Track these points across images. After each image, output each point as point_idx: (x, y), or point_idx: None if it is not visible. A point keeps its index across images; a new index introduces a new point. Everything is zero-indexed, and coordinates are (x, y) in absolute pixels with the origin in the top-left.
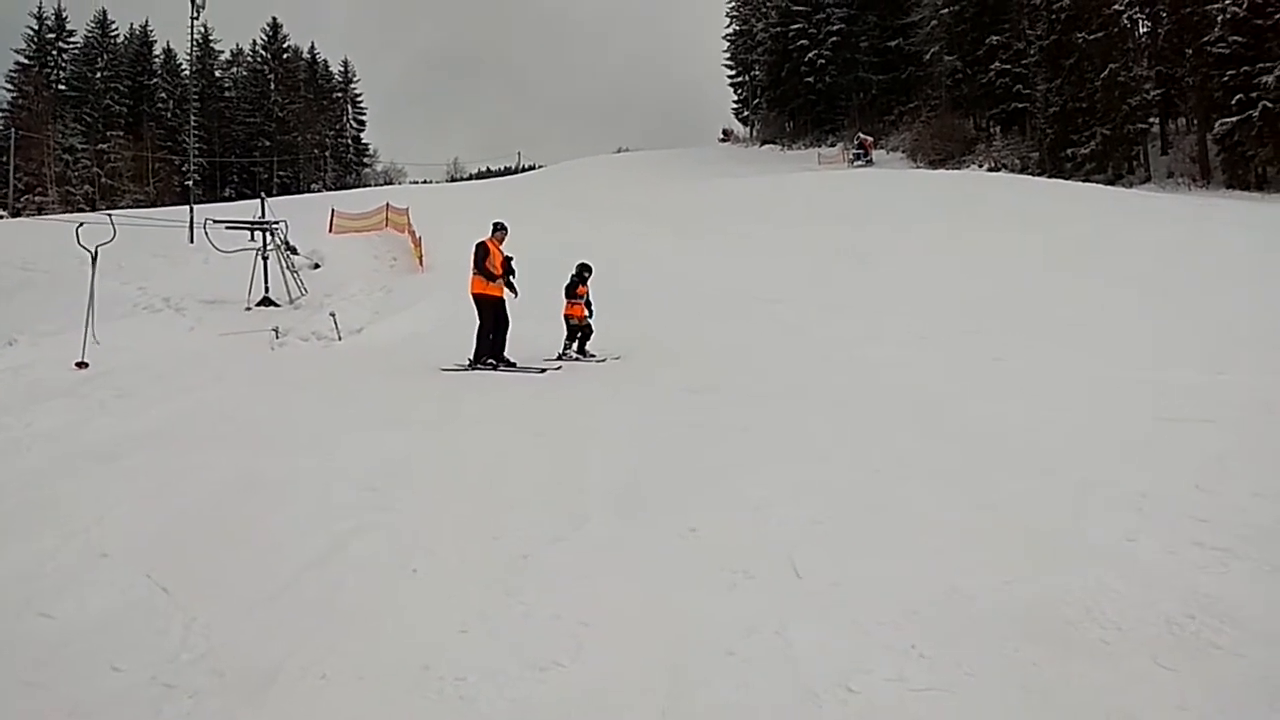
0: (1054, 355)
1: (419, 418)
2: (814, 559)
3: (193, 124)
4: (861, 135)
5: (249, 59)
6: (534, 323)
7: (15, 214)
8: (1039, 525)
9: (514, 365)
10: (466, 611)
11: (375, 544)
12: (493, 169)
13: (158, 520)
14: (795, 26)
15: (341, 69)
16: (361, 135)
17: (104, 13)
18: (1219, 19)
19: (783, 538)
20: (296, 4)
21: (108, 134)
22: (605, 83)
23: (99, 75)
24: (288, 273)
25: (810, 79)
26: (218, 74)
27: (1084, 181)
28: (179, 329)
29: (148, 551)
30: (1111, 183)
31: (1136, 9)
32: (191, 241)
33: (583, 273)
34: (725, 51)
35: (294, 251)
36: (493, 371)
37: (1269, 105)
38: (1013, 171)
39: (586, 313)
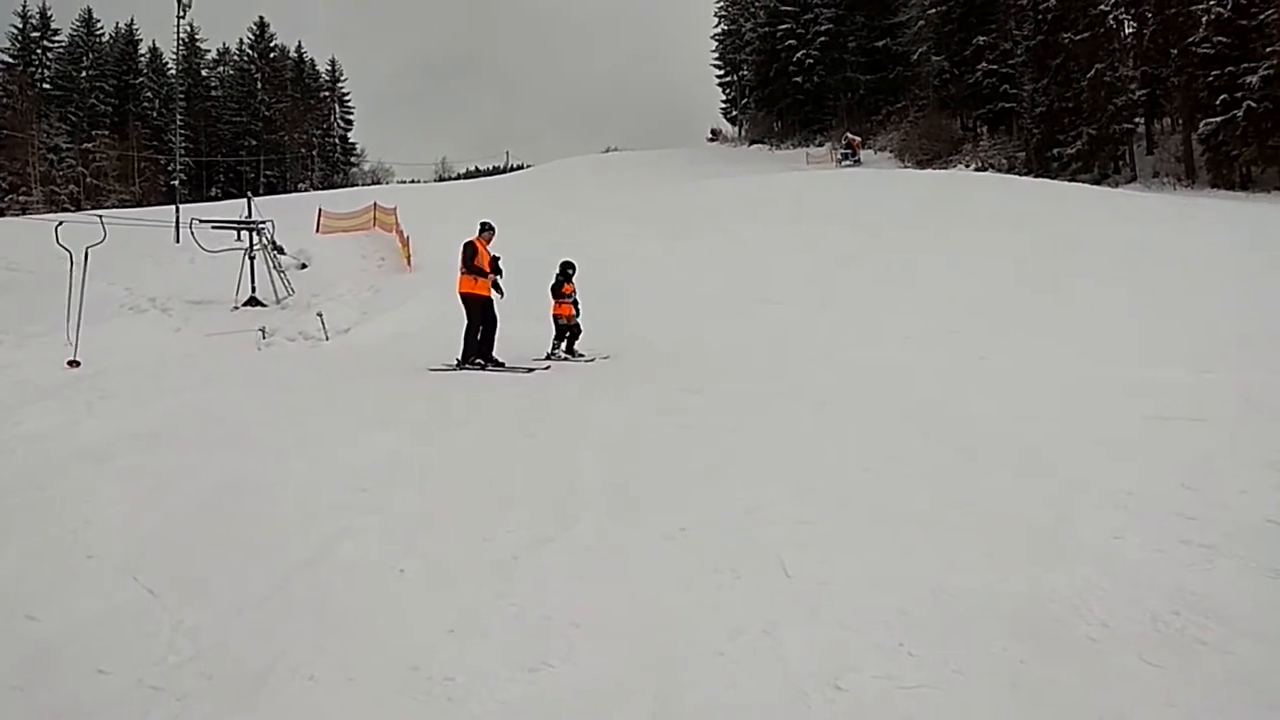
0: (1041, 354)
1: (407, 418)
2: (803, 559)
3: (178, 123)
4: (849, 135)
5: (235, 58)
6: (522, 323)
7: None
8: (1026, 523)
9: (502, 365)
10: (456, 612)
11: (364, 545)
12: (481, 169)
13: (145, 522)
14: (783, 26)
15: (329, 68)
16: (349, 134)
17: (89, 11)
18: (1204, 19)
19: (771, 537)
20: (283, 3)
21: (93, 133)
22: (593, 82)
23: (84, 74)
24: (274, 273)
25: (798, 79)
26: (204, 73)
27: (1070, 181)
28: (165, 329)
29: (135, 554)
30: (1098, 182)
31: (1122, 9)
32: (178, 241)
33: (566, 270)
34: (713, 51)
35: (281, 251)
36: (481, 371)
37: (1253, 105)
38: (1000, 171)
39: (574, 311)
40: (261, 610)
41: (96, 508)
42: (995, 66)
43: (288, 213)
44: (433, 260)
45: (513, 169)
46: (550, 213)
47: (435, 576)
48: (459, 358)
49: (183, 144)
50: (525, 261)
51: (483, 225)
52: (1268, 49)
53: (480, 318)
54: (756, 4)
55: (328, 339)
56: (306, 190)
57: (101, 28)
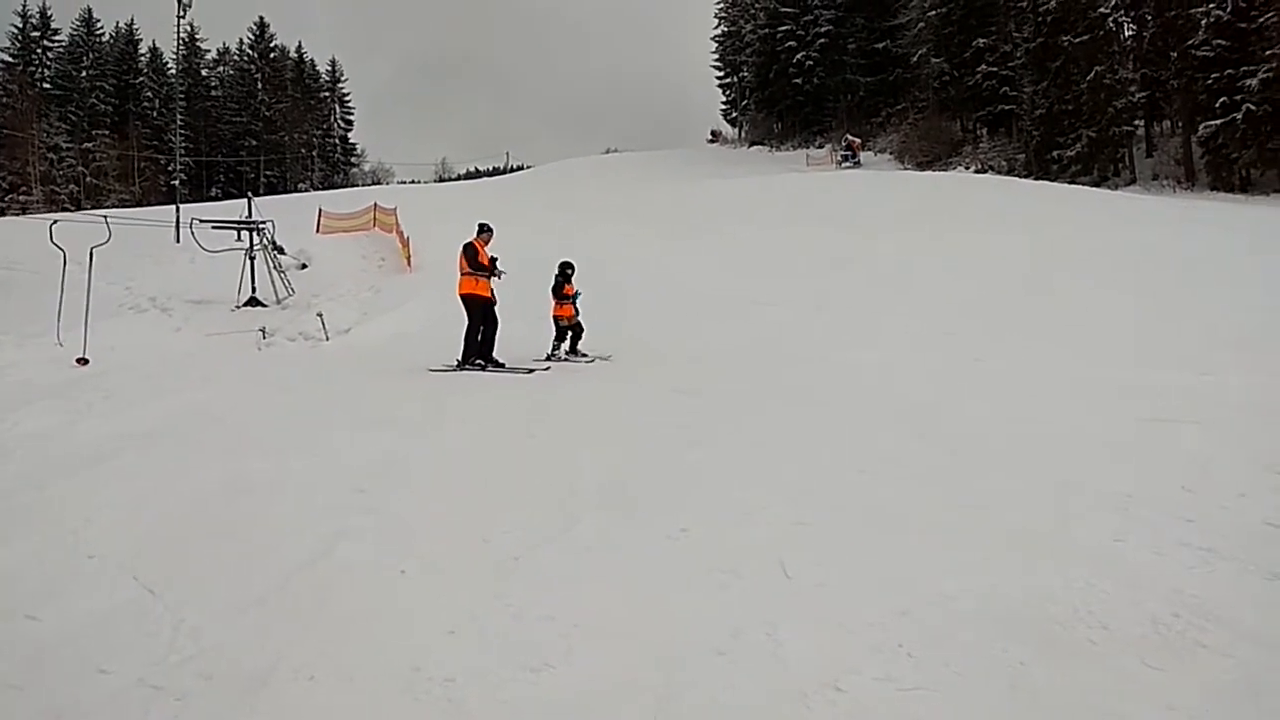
0: (1037, 356)
1: (407, 418)
2: (802, 560)
3: (178, 123)
4: (849, 137)
5: (235, 58)
6: (522, 324)
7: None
8: (1025, 526)
9: (502, 366)
10: (456, 613)
11: (364, 545)
12: (481, 169)
13: (145, 522)
14: (783, 28)
15: (329, 68)
16: (349, 135)
17: (89, 11)
18: (1203, 22)
19: (771, 539)
20: (284, 4)
21: (93, 133)
22: (593, 83)
23: (84, 74)
24: (275, 273)
25: (798, 80)
26: (204, 73)
27: (1070, 183)
28: (166, 329)
29: (135, 553)
30: (1097, 185)
31: (1122, 12)
32: (178, 241)
33: (565, 270)
34: (713, 53)
35: (281, 251)
36: (481, 372)
37: (1252, 108)
38: (999, 173)
39: (575, 311)
40: (262, 610)
41: (96, 507)
42: (995, 69)
43: (288, 213)
44: (433, 261)
45: (512, 169)
46: (550, 214)
47: (435, 577)
48: (459, 358)
49: (183, 144)
50: (526, 262)
51: (481, 226)
52: (1267, 52)
53: (481, 318)
54: (756, 5)
55: (328, 339)
56: (307, 190)
57: (101, 27)
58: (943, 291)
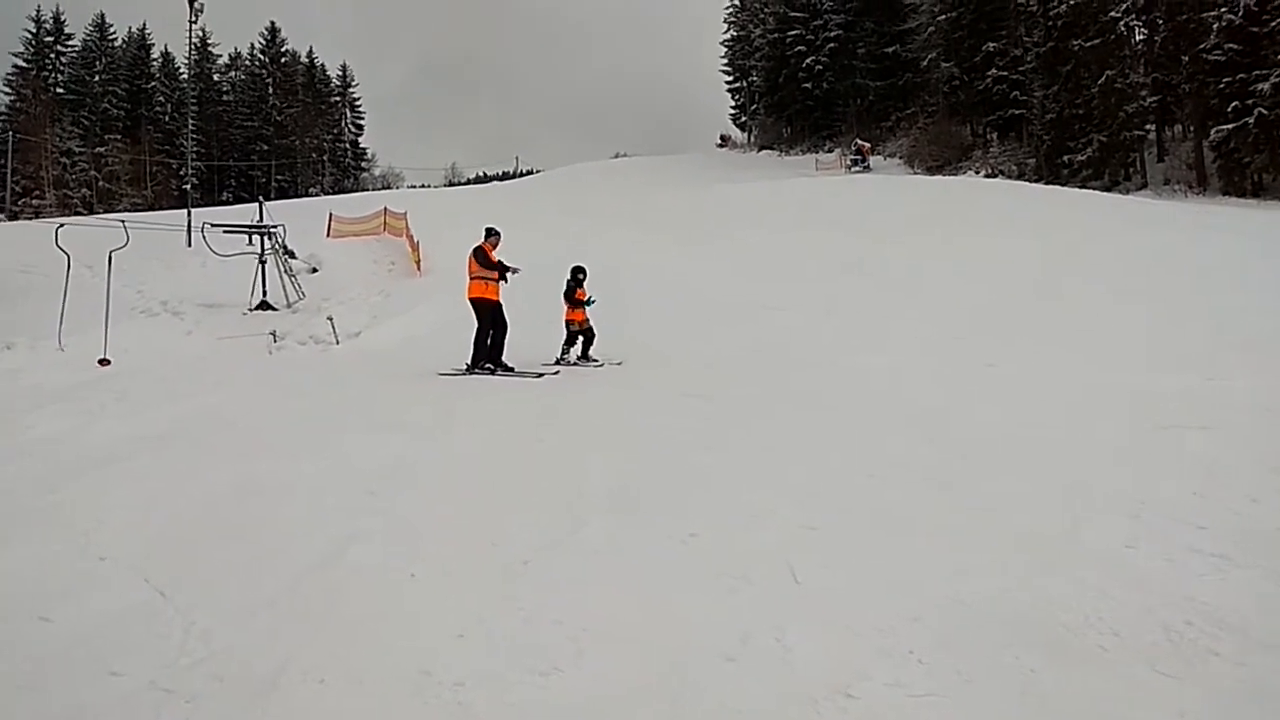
0: (1048, 361)
1: (416, 422)
2: (811, 564)
3: (190, 127)
4: (859, 141)
5: (247, 63)
6: (532, 328)
7: (13, 217)
8: (1036, 531)
9: (512, 370)
10: (465, 616)
11: (374, 548)
12: (490, 174)
13: (157, 524)
14: (793, 33)
15: (340, 73)
16: (359, 139)
17: (102, 16)
18: (1215, 26)
19: (780, 543)
20: (295, 8)
21: (105, 137)
22: (602, 88)
23: (97, 78)
24: (285, 276)
25: (808, 85)
26: (216, 78)
27: (1080, 188)
28: (177, 333)
29: (147, 555)
30: (1108, 189)
31: (1133, 16)
32: (189, 245)
33: (577, 275)
34: (723, 57)
35: (292, 255)
36: (490, 376)
37: (1264, 112)
38: (1010, 178)
39: (587, 314)
40: (272, 612)
41: (108, 509)
42: (1005, 73)
43: (299, 217)
44: (443, 265)
45: (522, 174)
46: (560, 219)
47: (444, 580)
48: (469, 362)
49: (194, 148)
50: (536, 267)
51: (488, 231)
52: (1279, 56)
53: (490, 322)
54: (766, 10)
55: (338, 343)
56: (317, 195)
57: (114, 32)
58: (952, 296)
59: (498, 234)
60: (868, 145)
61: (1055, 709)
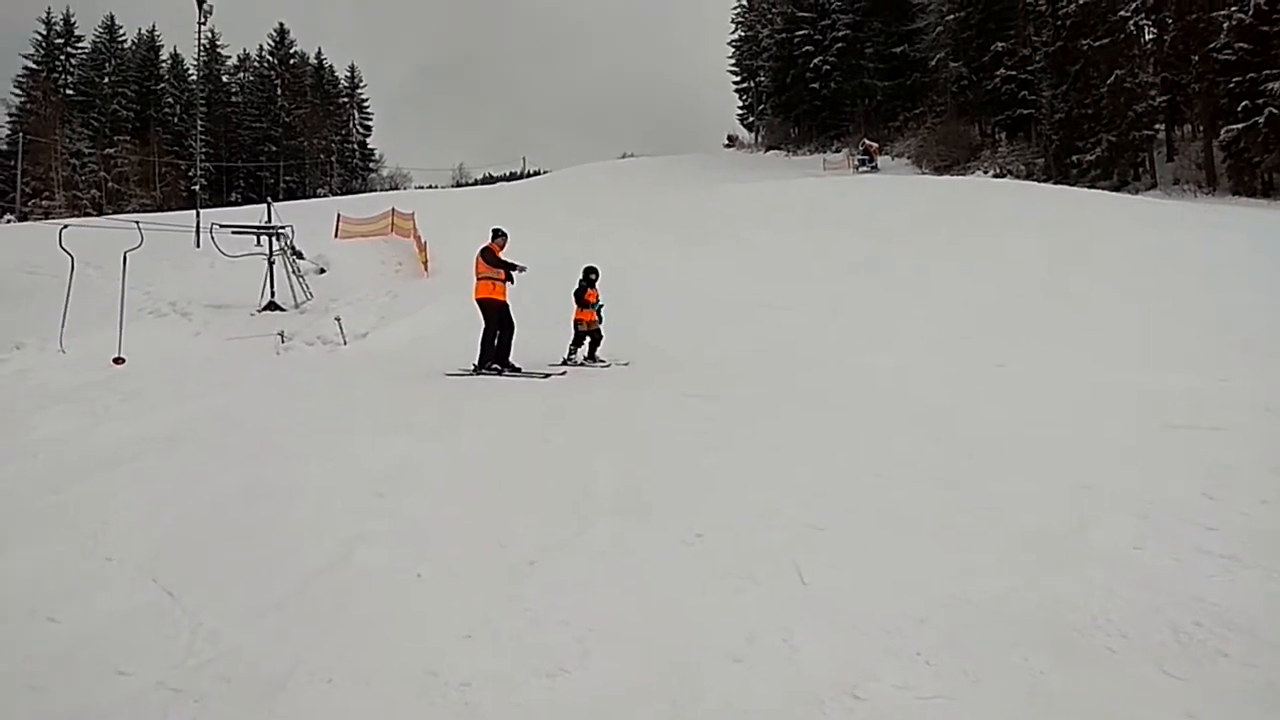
0: (1055, 360)
1: (424, 423)
2: (818, 564)
3: (199, 129)
4: (867, 141)
5: (256, 64)
6: (540, 328)
7: (23, 218)
8: (1044, 531)
9: (519, 370)
10: (472, 617)
11: (381, 550)
12: (497, 175)
13: (165, 525)
14: (800, 33)
15: (348, 74)
16: (367, 140)
17: (111, 18)
18: (1225, 26)
19: (786, 543)
20: (303, 9)
21: (115, 139)
22: (609, 88)
23: (106, 80)
24: (293, 277)
25: (815, 85)
26: (225, 79)
27: (1089, 188)
28: (185, 333)
29: (154, 556)
30: (1117, 189)
31: (1143, 15)
32: (198, 246)
33: (590, 276)
34: (730, 57)
35: (300, 256)
36: (497, 376)
37: (1275, 112)
38: (1018, 178)
39: (597, 317)
40: (280, 613)
41: (116, 510)
42: (1014, 73)
43: (307, 218)
44: (450, 265)
45: (529, 175)
46: (568, 219)
47: (451, 581)
48: (476, 363)
49: (203, 149)
50: (544, 268)
51: (495, 232)
52: None
53: (497, 323)
54: (774, 10)
55: (346, 343)
56: (325, 196)
57: (124, 34)
58: (960, 296)
59: (505, 235)
60: (875, 145)
61: (1062, 710)
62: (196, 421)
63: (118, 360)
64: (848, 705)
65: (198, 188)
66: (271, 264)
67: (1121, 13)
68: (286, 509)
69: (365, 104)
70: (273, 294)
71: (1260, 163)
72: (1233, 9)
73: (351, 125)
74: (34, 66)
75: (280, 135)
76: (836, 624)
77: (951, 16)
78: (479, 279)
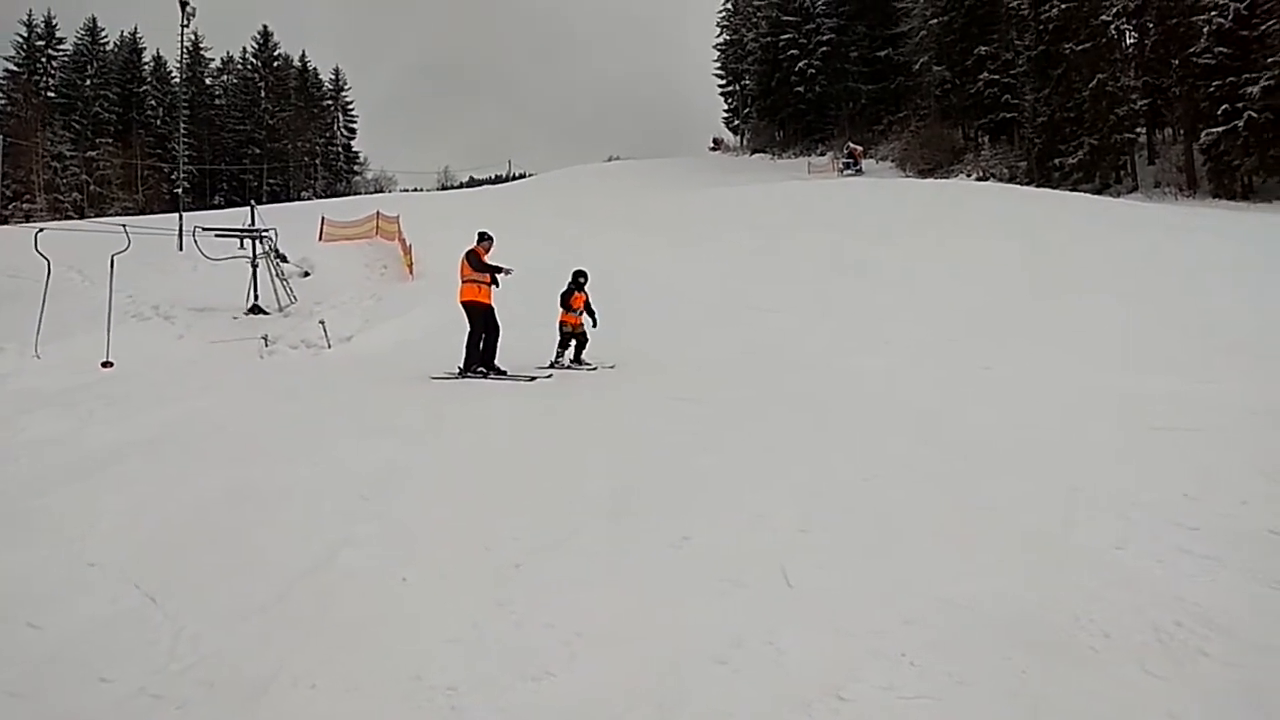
0: (1041, 363)
1: (409, 426)
2: (804, 567)
3: (182, 131)
4: (851, 145)
5: (239, 67)
6: (525, 331)
7: (3, 221)
8: (1027, 533)
9: (504, 373)
10: (458, 621)
11: (366, 553)
12: (482, 177)
13: (147, 530)
14: (785, 36)
15: (332, 77)
16: (352, 143)
17: (94, 20)
18: (1205, 30)
19: (774, 546)
20: (287, 12)
21: (97, 141)
22: (596, 91)
23: (88, 82)
24: (277, 280)
25: (800, 89)
26: (208, 81)
27: (1071, 191)
28: (169, 337)
29: (137, 561)
30: (1099, 192)
31: (1124, 20)
32: (181, 249)
33: (578, 279)
34: (715, 61)
35: (284, 259)
36: (483, 380)
37: (1254, 115)
38: (1001, 181)
39: (584, 321)
40: (263, 618)
41: (98, 515)
42: (997, 76)
43: (291, 221)
44: (435, 269)
45: (515, 177)
46: (554, 221)
47: (437, 585)
48: (461, 366)
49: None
50: (530, 271)
51: (481, 235)
52: (1269, 59)
53: (482, 326)
54: (759, 14)
55: (330, 347)
56: (309, 199)
57: (106, 36)
58: (946, 298)
59: (490, 238)
60: (860, 149)
61: (1046, 710)
62: (179, 425)
63: (106, 364)
64: (833, 707)
65: (181, 190)
66: (255, 267)
67: (1103, 17)
68: (270, 512)
69: (350, 107)
70: (256, 297)
71: (1240, 166)
72: (1213, 14)
73: (336, 128)
74: (14, 68)
75: (264, 138)
76: (822, 626)
77: (935, 21)
78: (464, 282)
